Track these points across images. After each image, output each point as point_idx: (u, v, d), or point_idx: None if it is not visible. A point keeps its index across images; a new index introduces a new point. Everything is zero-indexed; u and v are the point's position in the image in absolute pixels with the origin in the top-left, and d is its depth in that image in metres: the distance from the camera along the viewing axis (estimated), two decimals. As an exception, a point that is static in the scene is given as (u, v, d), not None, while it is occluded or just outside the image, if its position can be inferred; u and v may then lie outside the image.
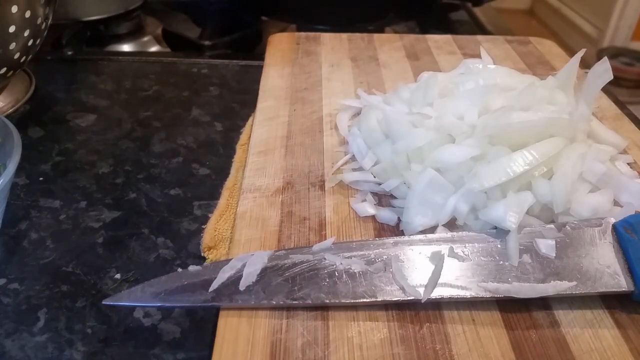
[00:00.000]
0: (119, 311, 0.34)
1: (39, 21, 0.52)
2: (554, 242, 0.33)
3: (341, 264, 0.33)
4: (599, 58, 0.44)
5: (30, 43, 0.52)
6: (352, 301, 0.31)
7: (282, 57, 0.61)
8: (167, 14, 0.87)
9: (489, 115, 0.41)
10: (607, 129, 0.46)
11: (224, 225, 0.40)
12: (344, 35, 0.67)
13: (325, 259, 0.33)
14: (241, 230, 0.37)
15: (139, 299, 0.31)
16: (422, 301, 0.31)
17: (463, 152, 0.38)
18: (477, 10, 0.93)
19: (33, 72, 0.61)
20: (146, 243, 0.40)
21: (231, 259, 0.33)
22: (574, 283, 0.32)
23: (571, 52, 0.53)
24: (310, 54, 0.62)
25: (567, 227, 0.34)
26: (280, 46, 0.64)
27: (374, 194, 0.40)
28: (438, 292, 0.32)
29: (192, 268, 0.32)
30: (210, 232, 0.40)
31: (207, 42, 0.74)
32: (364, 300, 0.31)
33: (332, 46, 0.64)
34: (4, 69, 0.51)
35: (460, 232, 0.35)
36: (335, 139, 0.47)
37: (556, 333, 0.31)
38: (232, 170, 0.47)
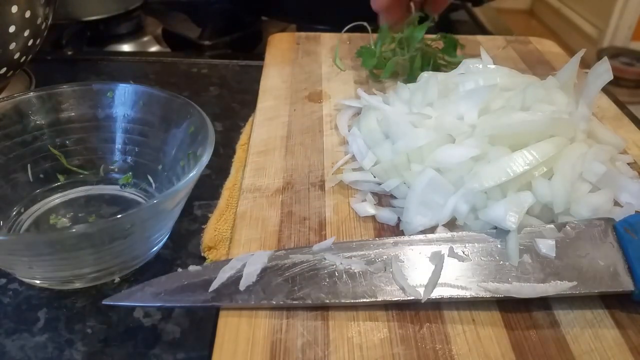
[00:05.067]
0: (119, 311, 0.34)
1: (39, 21, 0.52)
2: (554, 242, 0.33)
3: (341, 264, 0.33)
4: (599, 58, 0.44)
5: (30, 43, 0.52)
6: (352, 301, 0.31)
7: (282, 57, 0.61)
8: (167, 14, 0.87)
9: (489, 115, 0.41)
10: (607, 129, 0.46)
11: (224, 225, 0.40)
12: (344, 35, 0.67)
13: (325, 259, 0.33)
14: (241, 230, 0.37)
15: (139, 299, 0.31)
16: (422, 301, 0.31)
17: (463, 152, 0.38)
18: (477, 10, 0.93)
19: (33, 72, 0.61)
20: (146, 243, 0.40)
21: (231, 259, 0.33)
22: (574, 283, 0.32)
23: (571, 52, 0.53)
24: (310, 54, 0.62)
25: (567, 227, 0.34)
26: (280, 46, 0.64)
27: (374, 194, 0.40)
28: (438, 292, 0.32)
29: (192, 268, 0.32)
30: (210, 232, 0.40)
31: (207, 42, 0.74)
32: (364, 300, 0.31)
33: (332, 46, 0.64)
34: (4, 69, 0.51)
35: (460, 232, 0.35)
36: (335, 139, 0.47)
37: (556, 333, 0.31)
38: (232, 170, 0.47)
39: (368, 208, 0.39)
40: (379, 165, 0.41)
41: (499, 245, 0.34)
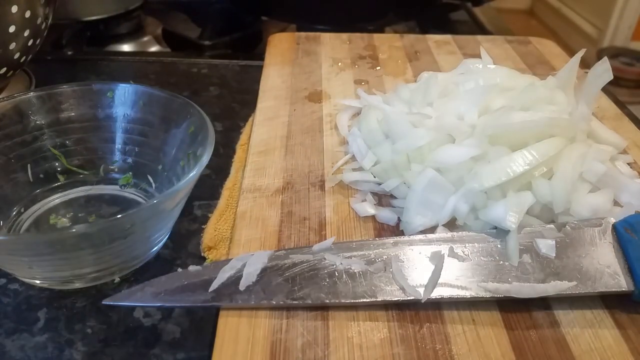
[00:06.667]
0: (119, 311, 0.34)
1: (39, 21, 0.52)
2: (554, 242, 0.33)
3: (341, 264, 0.33)
4: (599, 58, 0.44)
5: (30, 43, 0.52)
6: (352, 301, 0.31)
7: (282, 57, 0.61)
8: (167, 14, 0.87)
9: (489, 115, 0.41)
10: (607, 129, 0.46)
11: (224, 225, 0.40)
12: (344, 35, 0.67)
13: (325, 259, 0.33)
14: (241, 230, 0.37)
15: (139, 299, 0.31)
16: (422, 301, 0.31)
17: (463, 152, 0.38)
18: (477, 10, 0.93)
19: (33, 72, 0.61)
20: (146, 243, 0.40)
21: (231, 259, 0.33)
22: (574, 283, 0.32)
23: (571, 52, 0.53)
24: (310, 54, 0.62)
25: (567, 227, 0.34)
26: (280, 46, 0.64)
27: (374, 194, 0.40)
28: (438, 292, 0.32)
29: (192, 268, 0.32)
30: (210, 232, 0.40)
31: (207, 42, 0.74)
32: (364, 300, 0.31)
33: (332, 46, 0.64)
34: (4, 69, 0.51)
35: (460, 232, 0.35)
36: (335, 139, 0.47)
37: (556, 333, 0.31)
38: (232, 170, 0.47)
39: (368, 208, 0.39)
40: (379, 165, 0.41)
41: (499, 245, 0.34)
